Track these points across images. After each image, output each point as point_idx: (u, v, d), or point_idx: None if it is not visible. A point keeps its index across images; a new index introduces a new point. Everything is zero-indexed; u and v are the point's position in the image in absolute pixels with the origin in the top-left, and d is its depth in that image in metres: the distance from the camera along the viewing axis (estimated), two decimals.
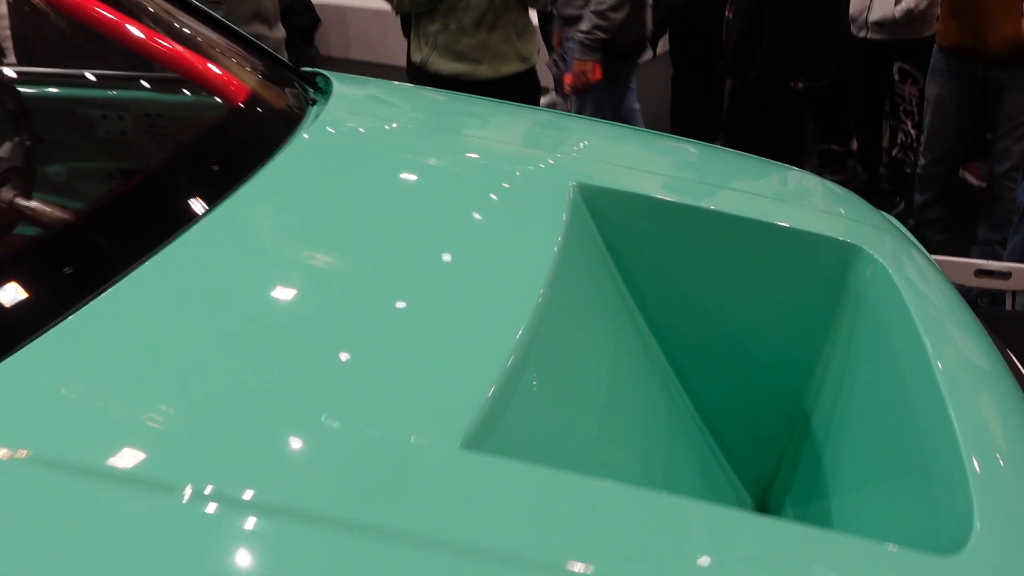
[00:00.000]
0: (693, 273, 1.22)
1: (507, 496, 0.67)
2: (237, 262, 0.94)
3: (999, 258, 3.09)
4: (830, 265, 1.15)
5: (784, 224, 1.16)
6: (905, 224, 3.47)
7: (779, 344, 1.23)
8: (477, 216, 1.09)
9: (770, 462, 1.31)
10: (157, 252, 0.89)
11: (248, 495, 0.65)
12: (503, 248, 1.04)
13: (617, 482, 0.70)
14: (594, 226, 1.19)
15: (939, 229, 3.34)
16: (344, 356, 0.83)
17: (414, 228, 1.05)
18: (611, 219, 1.19)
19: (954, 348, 1.00)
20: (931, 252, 3.41)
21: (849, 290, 1.15)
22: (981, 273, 2.24)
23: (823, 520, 1.12)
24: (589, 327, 1.12)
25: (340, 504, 0.65)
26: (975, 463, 0.81)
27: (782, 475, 1.30)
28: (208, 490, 0.64)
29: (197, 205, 0.99)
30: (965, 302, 1.14)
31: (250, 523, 0.63)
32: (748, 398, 1.27)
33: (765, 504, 1.33)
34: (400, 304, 0.91)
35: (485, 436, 0.75)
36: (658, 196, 1.18)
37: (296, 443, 0.71)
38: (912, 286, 1.08)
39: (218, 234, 0.95)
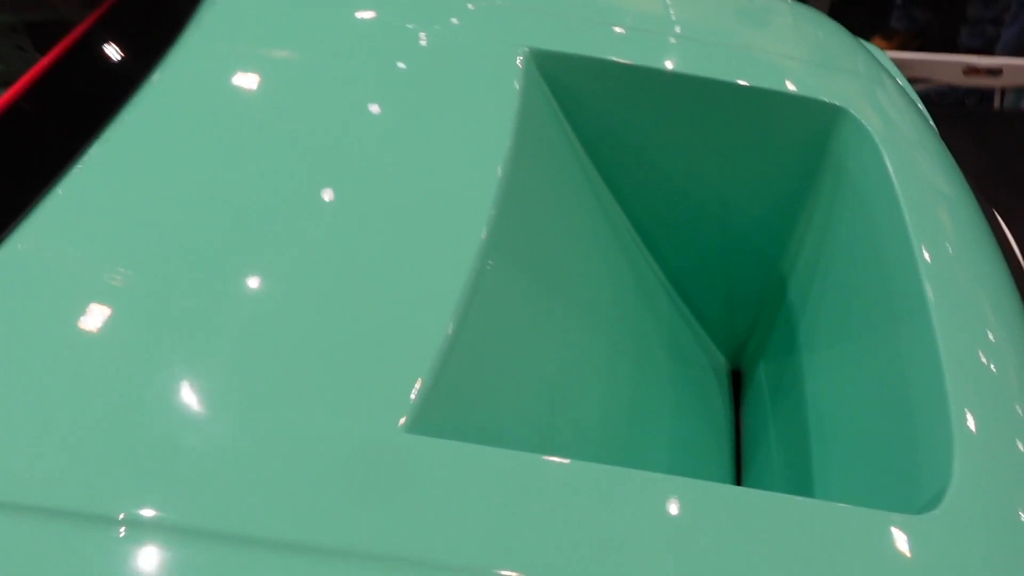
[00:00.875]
0: (661, 142, 1.12)
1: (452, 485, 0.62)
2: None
3: (989, 39, 2.93)
4: (810, 129, 1.05)
5: (760, 86, 1.04)
6: (891, 4, 3.26)
7: (754, 212, 1.15)
8: (414, 101, 0.96)
9: (744, 325, 1.27)
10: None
11: (154, 514, 0.59)
12: (450, 138, 0.93)
13: (561, 459, 0.65)
14: (552, 97, 1.07)
15: (926, 7, 3.15)
16: (269, 305, 0.74)
17: (347, 116, 0.93)
18: (570, 88, 1.07)
19: (939, 229, 0.92)
20: (918, 35, 3.24)
21: (830, 156, 1.06)
22: (971, 71, 2.12)
23: (793, 383, 1.10)
24: (553, 212, 1.03)
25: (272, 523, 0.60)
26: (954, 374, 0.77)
27: (756, 337, 1.27)
28: (110, 512, 0.58)
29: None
30: (954, 164, 1.05)
31: (159, 549, 0.58)
32: (722, 265, 1.22)
33: (739, 364, 1.31)
34: (339, 217, 0.82)
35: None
36: (619, 60, 1.05)
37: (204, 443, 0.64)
38: (898, 155, 0.99)
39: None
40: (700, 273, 1.22)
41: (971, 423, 0.72)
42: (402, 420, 0.66)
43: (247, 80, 0.98)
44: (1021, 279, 0.94)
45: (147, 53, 1.01)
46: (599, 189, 1.14)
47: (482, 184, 0.88)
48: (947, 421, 0.72)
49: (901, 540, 0.61)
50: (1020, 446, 0.71)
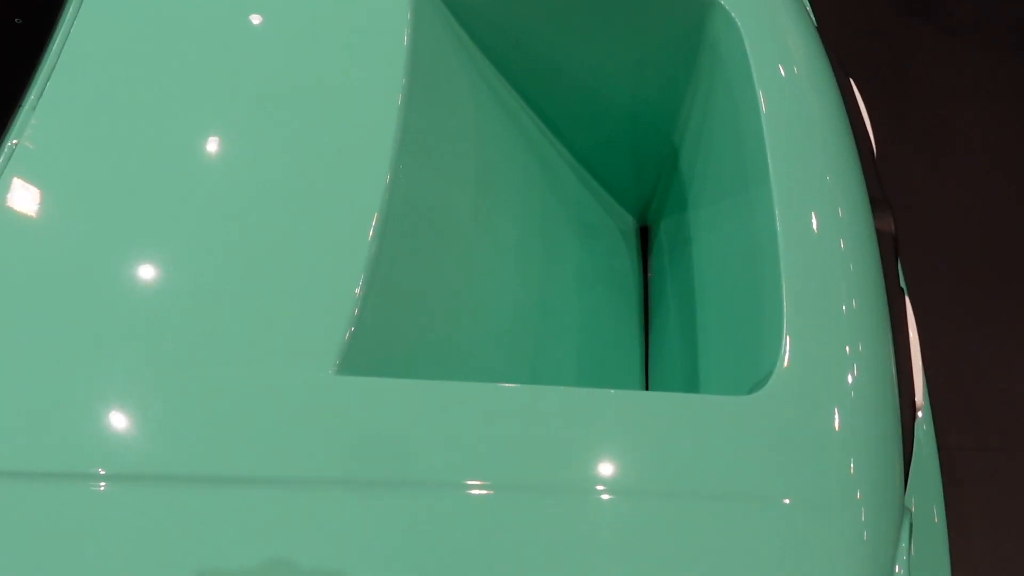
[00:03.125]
0: (554, 39, 1.20)
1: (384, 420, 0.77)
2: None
3: None
4: (686, 19, 1.13)
5: None
6: None
7: (645, 93, 1.25)
8: (307, 31, 1.03)
9: (647, 188, 1.40)
10: None
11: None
12: (346, 60, 1.00)
13: (483, 383, 0.80)
14: (446, 10, 1.13)
15: None
16: (191, 264, 0.85)
17: (241, 61, 1.00)
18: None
19: (788, 106, 1.02)
20: None
21: (706, 42, 1.15)
22: None
23: (684, 239, 1.25)
24: (457, 118, 1.12)
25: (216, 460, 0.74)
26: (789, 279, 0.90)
27: (657, 197, 1.40)
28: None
29: None
30: (823, 53, 1.13)
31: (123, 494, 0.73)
32: (622, 140, 1.33)
33: (646, 219, 1.45)
34: (244, 172, 0.91)
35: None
36: None
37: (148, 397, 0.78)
38: (761, 39, 1.08)
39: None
40: (604, 150, 1.34)
41: (801, 303, 0.86)
42: (333, 363, 0.79)
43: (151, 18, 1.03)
44: (868, 151, 1.07)
45: None
46: (501, 90, 1.23)
47: (383, 101, 0.97)
48: (779, 300, 0.86)
49: (728, 421, 0.77)
50: (846, 326, 0.85)
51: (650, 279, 1.37)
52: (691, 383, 1.08)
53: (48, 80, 0.96)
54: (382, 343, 0.86)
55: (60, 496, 0.72)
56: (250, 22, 1.04)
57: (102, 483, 0.73)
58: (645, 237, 1.45)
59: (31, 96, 0.95)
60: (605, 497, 0.73)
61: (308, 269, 0.85)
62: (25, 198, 0.89)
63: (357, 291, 0.83)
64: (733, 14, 1.09)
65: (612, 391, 0.79)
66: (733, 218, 1.07)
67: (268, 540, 0.71)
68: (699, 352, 1.09)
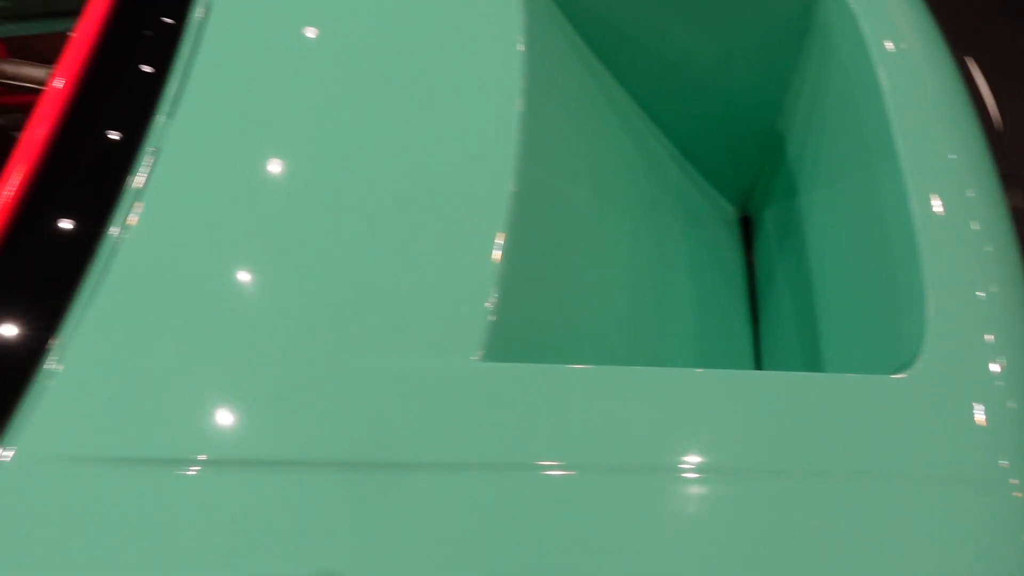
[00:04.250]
0: (657, 27, 1.20)
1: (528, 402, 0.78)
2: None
3: None
4: (793, 6, 1.13)
5: None
6: None
7: (747, 81, 1.25)
8: (425, 39, 1.05)
9: (748, 177, 1.40)
10: None
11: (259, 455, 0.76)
12: (465, 69, 1.02)
13: (620, 367, 0.81)
14: (555, 7, 1.15)
15: None
16: (333, 269, 0.88)
17: (359, 67, 1.02)
18: None
19: (908, 86, 1.02)
20: None
21: (815, 27, 1.14)
22: None
23: (795, 225, 1.24)
24: (569, 111, 1.14)
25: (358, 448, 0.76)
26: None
27: (760, 186, 1.40)
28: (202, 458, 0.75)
29: None
30: (937, 32, 1.12)
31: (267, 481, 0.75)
32: (725, 128, 1.33)
33: (747, 209, 1.45)
34: (370, 184, 0.93)
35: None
36: None
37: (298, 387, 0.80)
38: (874, 19, 1.07)
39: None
40: (705, 140, 1.34)
41: (940, 283, 0.85)
42: (477, 351, 0.81)
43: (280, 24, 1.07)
44: (993, 128, 1.05)
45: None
46: (606, 81, 1.24)
47: (504, 98, 0.99)
48: (917, 281, 0.86)
49: (878, 401, 0.77)
50: (987, 306, 0.84)
51: (756, 266, 1.37)
52: (812, 366, 1.07)
53: (182, 88, 1.00)
54: (519, 330, 0.87)
55: (211, 482, 0.75)
56: (365, 28, 1.07)
57: (263, 469, 0.75)
58: (744, 227, 1.45)
59: (167, 103, 0.98)
60: (768, 479, 0.74)
61: (446, 262, 0.87)
62: (165, 200, 0.92)
63: (494, 281, 0.85)
64: None
65: (764, 372, 0.80)
66: (854, 200, 1.06)
67: (416, 521, 0.73)
68: (820, 335, 1.08)
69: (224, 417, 0.78)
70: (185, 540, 0.72)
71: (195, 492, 0.74)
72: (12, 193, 0.93)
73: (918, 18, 1.09)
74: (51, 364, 0.80)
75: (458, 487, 0.73)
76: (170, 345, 0.82)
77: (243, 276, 0.87)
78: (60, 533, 0.73)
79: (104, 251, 0.87)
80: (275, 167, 0.94)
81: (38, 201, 0.93)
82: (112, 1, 1.11)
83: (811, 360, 1.08)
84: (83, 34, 1.09)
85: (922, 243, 0.87)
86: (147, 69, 1.04)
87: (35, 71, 1.34)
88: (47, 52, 1.65)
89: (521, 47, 1.02)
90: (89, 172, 0.97)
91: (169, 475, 0.75)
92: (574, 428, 0.76)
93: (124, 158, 0.96)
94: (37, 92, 1.38)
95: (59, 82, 1.02)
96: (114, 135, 0.99)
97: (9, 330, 0.85)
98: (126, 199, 0.91)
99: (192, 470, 0.75)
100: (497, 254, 0.87)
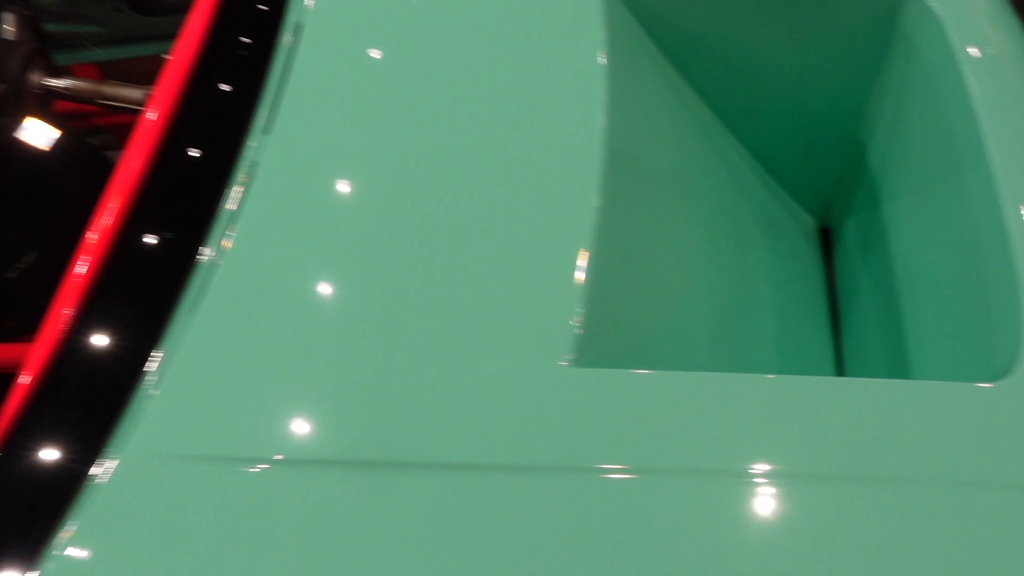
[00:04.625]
0: (733, 39, 1.21)
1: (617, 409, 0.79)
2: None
3: None
4: (876, 13, 1.13)
5: None
6: None
7: (828, 90, 1.24)
8: (508, 56, 1.07)
9: (827, 188, 1.39)
10: None
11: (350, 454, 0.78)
12: (549, 84, 1.04)
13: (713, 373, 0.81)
14: (628, 11, 1.16)
15: None
16: (421, 274, 0.90)
17: (445, 89, 1.05)
18: (645, 5, 1.16)
19: (998, 93, 1.00)
20: None
21: (899, 35, 1.13)
22: None
23: (878, 236, 1.23)
24: (650, 124, 1.15)
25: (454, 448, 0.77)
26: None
27: (840, 197, 1.38)
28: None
29: None
30: (1019, 28, 1.11)
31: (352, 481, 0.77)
32: (804, 138, 1.32)
33: (826, 220, 1.43)
34: (458, 199, 0.96)
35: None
36: None
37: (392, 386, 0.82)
38: (961, 26, 1.06)
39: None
40: (783, 150, 1.33)
41: None
42: (565, 356, 0.82)
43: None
44: None
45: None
46: (684, 90, 1.25)
47: (587, 110, 1.00)
48: (1014, 288, 0.84)
49: (977, 409, 0.76)
50: None
51: (837, 277, 1.35)
52: (900, 377, 1.06)
53: (275, 108, 1.03)
54: (605, 337, 0.88)
55: (307, 480, 0.77)
56: (449, 46, 1.09)
57: (353, 470, 0.77)
58: (823, 238, 1.44)
59: (259, 124, 1.02)
60: (871, 486, 0.73)
61: (533, 271, 0.89)
62: (259, 218, 0.96)
63: (580, 290, 0.86)
64: (930, 3, 1.07)
65: (851, 378, 0.79)
66: (943, 209, 1.05)
67: (505, 522, 0.73)
68: (908, 347, 1.07)
69: (319, 420, 0.81)
70: (284, 538, 0.75)
71: (290, 490, 0.77)
72: (111, 222, 0.98)
73: (1005, 22, 1.08)
74: (152, 376, 0.84)
75: (545, 490, 0.74)
76: (265, 353, 0.85)
77: (336, 286, 0.90)
78: (171, 531, 0.76)
79: (201, 269, 0.91)
80: (366, 183, 0.97)
81: (137, 224, 0.98)
82: (208, 25, 1.16)
83: (898, 371, 1.07)
84: (180, 56, 1.14)
85: (1017, 251, 0.86)
86: (240, 90, 1.08)
87: (131, 92, 1.41)
88: (138, 75, 1.72)
89: (603, 60, 1.04)
90: (184, 195, 1.01)
91: (267, 474, 0.78)
92: (663, 433, 0.77)
93: (218, 179, 1.00)
94: (133, 112, 1.45)
95: (152, 114, 1.05)
96: (207, 157, 1.03)
97: (113, 345, 0.89)
98: (221, 220, 0.94)
99: (284, 469, 0.78)
100: (583, 263, 0.89)
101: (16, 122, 1.41)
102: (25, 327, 1.58)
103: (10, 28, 1.43)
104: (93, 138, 1.96)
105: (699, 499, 0.74)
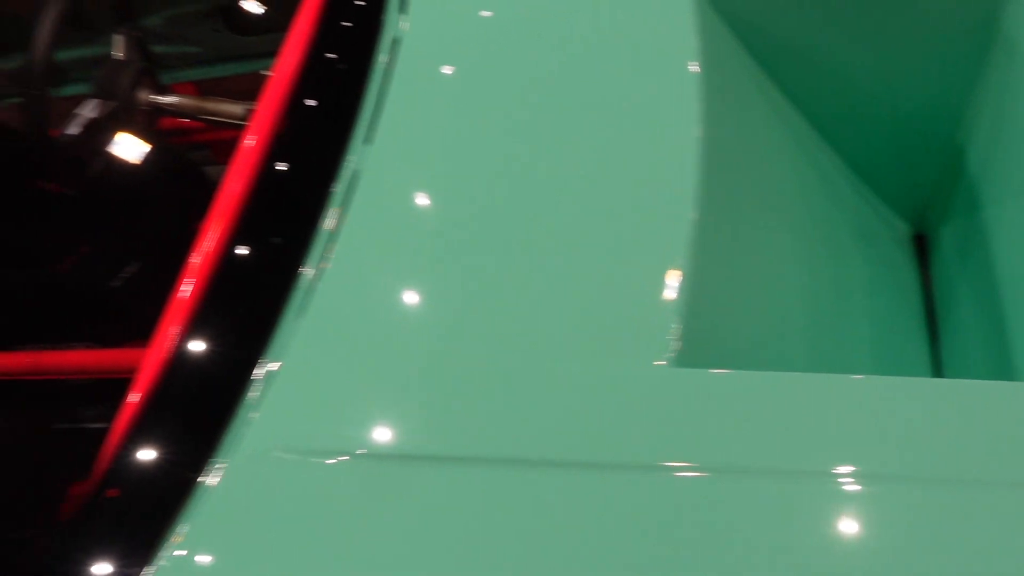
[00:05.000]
0: (827, 44, 1.20)
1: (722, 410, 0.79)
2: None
3: None
4: (976, 16, 1.10)
5: None
6: None
7: (925, 95, 1.22)
8: (603, 66, 1.08)
9: (923, 194, 1.36)
10: None
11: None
12: (643, 94, 1.05)
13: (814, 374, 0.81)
14: (724, 25, 1.16)
15: None
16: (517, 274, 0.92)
17: (540, 99, 1.06)
18: (737, 11, 1.16)
19: None
20: None
21: (1000, 37, 1.11)
22: None
23: (978, 243, 1.20)
24: (745, 141, 1.15)
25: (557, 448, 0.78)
26: None
27: (937, 203, 1.35)
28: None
29: None
30: None
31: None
32: (896, 145, 1.30)
33: (921, 228, 1.41)
34: (555, 208, 0.97)
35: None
36: None
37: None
38: None
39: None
40: (878, 156, 1.31)
41: None
42: (666, 356, 0.83)
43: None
44: None
45: None
46: (772, 95, 1.24)
47: (683, 113, 1.01)
48: None
49: None
50: None
51: (934, 284, 1.32)
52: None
53: (379, 111, 1.07)
54: (703, 338, 0.88)
55: (414, 477, 0.79)
56: (541, 57, 1.11)
57: (457, 466, 0.79)
58: (917, 244, 1.41)
59: (359, 138, 1.06)
60: (977, 490, 0.72)
61: (630, 275, 0.90)
62: (367, 215, 0.99)
63: (678, 292, 0.87)
64: None
65: (953, 380, 0.78)
66: None
67: (598, 523, 0.74)
68: (1014, 355, 1.04)
69: (423, 419, 0.83)
70: (395, 534, 0.77)
71: (399, 487, 0.79)
72: (218, 233, 1.02)
73: None
74: (259, 382, 0.87)
75: (642, 489, 0.75)
76: (370, 357, 0.88)
77: (436, 290, 0.92)
78: (281, 530, 0.79)
79: (304, 277, 0.94)
80: (464, 189, 0.99)
81: (243, 233, 1.02)
82: (308, 41, 1.20)
83: (1001, 376, 1.04)
84: (281, 71, 1.19)
85: None
86: (339, 103, 1.12)
87: (232, 107, 1.47)
88: (235, 93, 1.78)
89: (696, 68, 1.04)
90: (288, 202, 1.05)
91: (374, 470, 0.80)
92: (763, 433, 0.77)
93: (321, 188, 1.03)
94: (234, 127, 1.50)
95: (251, 140, 1.09)
96: (310, 167, 1.07)
97: (223, 354, 0.93)
98: (322, 229, 0.97)
99: (391, 465, 0.80)
100: (680, 268, 0.89)
101: (130, 135, 1.48)
102: (128, 333, 1.65)
103: (120, 49, 1.51)
104: (193, 153, 2.04)
105: (803, 500, 0.73)
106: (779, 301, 1.08)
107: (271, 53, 1.92)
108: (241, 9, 1.97)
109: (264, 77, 1.35)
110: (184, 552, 0.77)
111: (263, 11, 1.95)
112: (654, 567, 0.71)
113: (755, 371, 0.82)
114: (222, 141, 1.97)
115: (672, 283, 0.88)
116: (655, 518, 0.73)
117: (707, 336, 0.91)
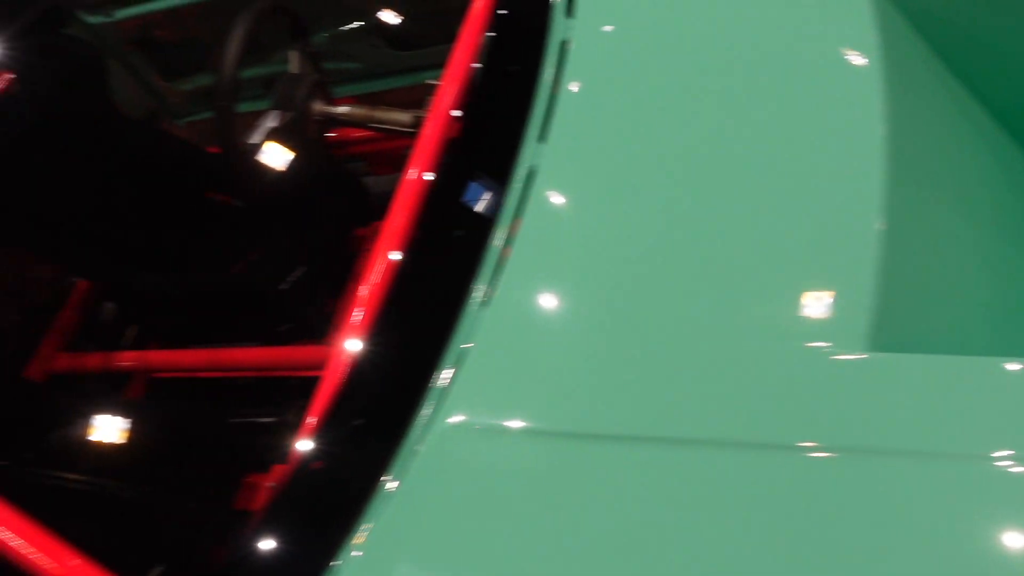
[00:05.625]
0: (1009, 30, 1.16)
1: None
2: None
3: None
4: None
5: None
6: None
7: None
8: (779, 63, 1.08)
9: None
10: None
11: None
12: (823, 92, 1.04)
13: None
14: (902, 18, 1.15)
15: None
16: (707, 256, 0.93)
17: (717, 100, 1.07)
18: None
19: None
20: None
21: None
22: None
23: None
24: (931, 137, 1.12)
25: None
26: None
27: None
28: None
29: None
30: None
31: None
32: None
33: None
34: (736, 204, 0.98)
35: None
36: None
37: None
38: None
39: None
40: None
41: None
42: (862, 342, 0.82)
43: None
44: None
45: None
46: (953, 88, 1.21)
47: (867, 117, 1.00)
48: None
49: None
50: None
51: None
52: None
53: (551, 110, 1.10)
54: (896, 324, 0.87)
55: (605, 454, 0.82)
56: (716, 59, 1.12)
57: (643, 445, 0.81)
58: None
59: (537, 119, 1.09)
60: None
61: (822, 265, 0.90)
62: (545, 207, 1.03)
63: (873, 277, 0.86)
64: None
65: None
66: None
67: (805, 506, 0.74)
68: None
69: (611, 396, 0.85)
70: (583, 510, 0.79)
71: (590, 464, 0.81)
72: (398, 238, 1.07)
73: None
74: (446, 372, 0.92)
75: (847, 472, 0.74)
76: (557, 338, 0.92)
77: (621, 276, 0.94)
78: (476, 505, 0.83)
79: (488, 265, 0.98)
80: (641, 184, 1.01)
81: (429, 219, 1.07)
82: (476, 48, 1.25)
83: None
84: (451, 78, 1.24)
85: None
86: (511, 104, 1.16)
87: (401, 115, 1.54)
88: (395, 105, 1.85)
89: (877, 64, 1.03)
90: (468, 195, 1.09)
91: (560, 446, 0.83)
92: (960, 416, 0.75)
93: (500, 183, 1.07)
94: (401, 134, 1.57)
95: (414, 173, 1.14)
96: (487, 163, 1.11)
97: (410, 347, 0.98)
98: (504, 218, 1.01)
99: (580, 444, 0.83)
100: (869, 256, 0.88)
101: (301, 146, 1.57)
102: (296, 333, 1.74)
103: (294, 64, 1.60)
104: (352, 164, 2.14)
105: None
106: (965, 292, 1.05)
107: (427, 67, 2.00)
108: (399, 26, 2.06)
109: (425, 88, 1.41)
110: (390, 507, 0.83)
111: (419, 27, 2.04)
112: (859, 548, 0.71)
113: (948, 355, 0.81)
114: (377, 153, 2.05)
115: (863, 273, 0.87)
116: (863, 501, 0.73)
117: (901, 321, 0.89)
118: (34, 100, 1.67)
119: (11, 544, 0.92)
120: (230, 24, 1.53)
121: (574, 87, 1.13)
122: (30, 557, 0.91)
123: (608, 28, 1.19)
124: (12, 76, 1.73)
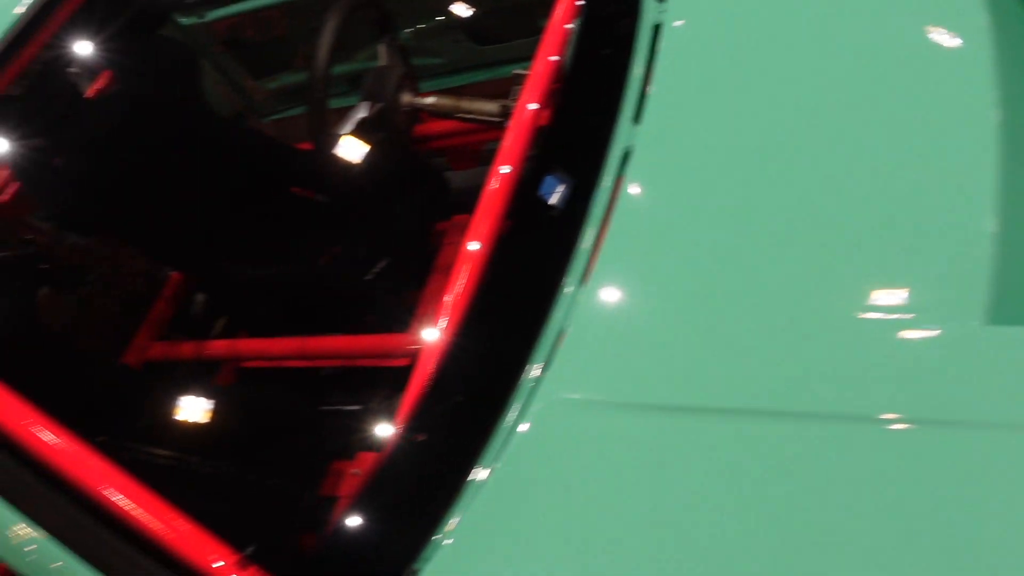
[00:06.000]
0: None
1: None
2: None
3: None
4: None
5: None
6: None
7: None
8: (882, 47, 1.06)
9: None
10: None
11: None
12: (929, 78, 1.02)
13: None
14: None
15: None
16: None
17: (819, 86, 1.05)
18: None
19: None
20: None
21: None
22: None
23: None
24: None
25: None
26: None
27: None
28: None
29: None
30: None
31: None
32: None
33: None
34: (841, 196, 0.96)
35: None
36: None
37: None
38: None
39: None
40: None
41: None
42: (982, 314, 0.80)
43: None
44: None
45: None
46: None
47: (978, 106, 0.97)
48: None
49: None
50: None
51: None
52: None
53: (645, 92, 1.10)
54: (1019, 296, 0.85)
55: (714, 428, 0.82)
56: (819, 45, 1.10)
57: (762, 420, 0.80)
58: None
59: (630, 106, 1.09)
60: None
61: (940, 243, 0.88)
62: (641, 188, 1.03)
63: (988, 255, 0.84)
64: None
65: None
66: None
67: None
68: None
69: (716, 371, 0.85)
70: (687, 483, 0.79)
71: (697, 438, 0.81)
72: (496, 216, 1.08)
73: None
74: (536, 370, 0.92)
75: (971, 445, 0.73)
76: (661, 314, 0.92)
77: (725, 253, 0.94)
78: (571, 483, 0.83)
79: (583, 247, 0.99)
80: (737, 164, 1.00)
81: (520, 204, 1.08)
82: (567, 35, 1.25)
83: None
84: (542, 65, 1.24)
85: None
86: (605, 88, 1.16)
87: (488, 105, 1.55)
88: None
89: (989, 48, 0.99)
90: (563, 180, 1.09)
91: (660, 420, 0.83)
92: None
93: (593, 165, 1.07)
94: (490, 124, 1.59)
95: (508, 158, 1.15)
96: (582, 147, 1.11)
97: (504, 331, 1.00)
98: (597, 209, 1.02)
99: (685, 418, 0.82)
100: (990, 232, 0.86)
101: (391, 136, 1.60)
102: (380, 323, 1.77)
103: (383, 57, 1.63)
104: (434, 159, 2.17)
105: None
106: None
107: (508, 61, 2.01)
108: (480, 21, 2.08)
109: (513, 78, 1.42)
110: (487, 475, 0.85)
111: (500, 22, 2.06)
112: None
113: None
114: (457, 148, 2.07)
115: (982, 249, 0.85)
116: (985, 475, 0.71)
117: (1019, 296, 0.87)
118: (131, 98, 1.73)
119: (120, 504, 0.95)
120: (316, 22, 1.56)
121: (667, 68, 1.13)
122: (139, 517, 0.93)
123: (702, 10, 1.18)
124: (111, 75, 1.80)
